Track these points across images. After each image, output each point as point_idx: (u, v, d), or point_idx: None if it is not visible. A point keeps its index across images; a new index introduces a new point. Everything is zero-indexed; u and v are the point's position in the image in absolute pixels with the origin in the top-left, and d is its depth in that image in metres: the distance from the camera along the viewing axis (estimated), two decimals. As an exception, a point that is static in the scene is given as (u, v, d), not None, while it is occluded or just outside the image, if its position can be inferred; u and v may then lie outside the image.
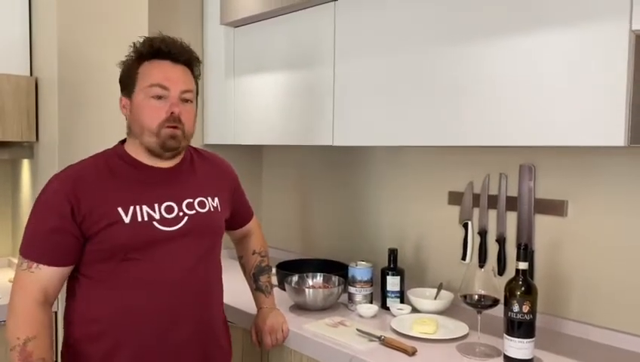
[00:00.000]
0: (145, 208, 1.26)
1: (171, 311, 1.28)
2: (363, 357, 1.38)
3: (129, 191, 1.27)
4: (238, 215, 1.55)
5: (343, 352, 1.42)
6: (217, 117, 2.28)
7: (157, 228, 1.26)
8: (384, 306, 1.76)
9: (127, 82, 1.30)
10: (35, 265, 1.22)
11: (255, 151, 2.61)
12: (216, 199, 1.39)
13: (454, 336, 1.48)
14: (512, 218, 1.71)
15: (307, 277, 1.87)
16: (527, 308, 1.30)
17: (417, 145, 1.62)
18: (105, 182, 1.27)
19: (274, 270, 1.99)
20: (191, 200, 1.33)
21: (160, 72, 1.27)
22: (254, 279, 1.61)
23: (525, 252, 1.33)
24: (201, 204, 1.35)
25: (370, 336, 1.48)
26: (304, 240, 2.44)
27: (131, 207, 1.25)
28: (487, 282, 1.40)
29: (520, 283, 1.33)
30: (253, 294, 1.62)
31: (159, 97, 1.26)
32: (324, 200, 2.35)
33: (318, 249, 2.36)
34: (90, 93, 2.08)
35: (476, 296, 1.40)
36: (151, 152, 1.30)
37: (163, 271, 1.27)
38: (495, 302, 1.37)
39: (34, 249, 1.23)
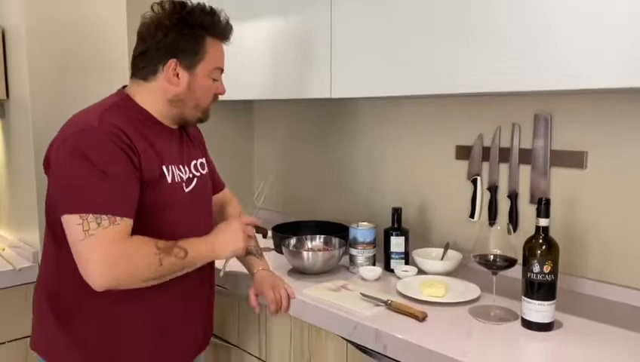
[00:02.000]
0: (175, 168, 1.25)
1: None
2: (369, 324, 1.27)
3: (162, 149, 1.22)
4: (212, 179, 1.47)
5: (348, 319, 1.31)
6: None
7: (183, 189, 1.26)
8: (388, 268, 1.65)
9: (190, 53, 1.22)
10: (119, 218, 1.09)
11: (245, 108, 2.45)
12: (204, 160, 1.40)
13: (466, 299, 1.38)
14: (525, 172, 1.58)
15: (306, 239, 1.75)
16: (549, 268, 1.20)
17: (422, 94, 1.47)
18: (143, 136, 1.19)
19: (270, 233, 1.87)
20: (195, 161, 1.34)
21: (222, 55, 1.31)
22: None
23: (547, 207, 1.22)
24: (202, 166, 1.37)
25: (375, 301, 1.38)
26: (302, 201, 2.32)
27: (170, 166, 1.23)
28: (503, 241, 1.29)
29: (540, 241, 1.22)
30: (243, 261, 1.50)
31: (215, 80, 1.29)
32: (321, 160, 2.21)
33: (316, 211, 2.24)
34: (62, 47, 1.90)
35: (491, 256, 1.28)
36: (182, 120, 1.29)
37: (183, 232, 1.21)
38: (513, 262, 1.26)
39: (110, 202, 1.08)
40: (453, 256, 1.65)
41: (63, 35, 1.90)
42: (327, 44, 1.65)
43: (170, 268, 1.14)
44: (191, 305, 1.31)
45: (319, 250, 1.69)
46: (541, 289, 1.21)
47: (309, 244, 1.75)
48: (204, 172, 1.36)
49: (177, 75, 1.21)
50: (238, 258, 1.46)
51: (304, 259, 1.59)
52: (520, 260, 1.25)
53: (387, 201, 1.92)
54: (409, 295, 1.41)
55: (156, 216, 1.18)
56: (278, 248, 1.80)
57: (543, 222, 1.22)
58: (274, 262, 1.73)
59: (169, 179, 1.21)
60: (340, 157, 2.13)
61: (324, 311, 1.37)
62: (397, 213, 1.66)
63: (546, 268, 1.20)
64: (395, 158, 1.93)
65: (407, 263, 1.65)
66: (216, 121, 2.36)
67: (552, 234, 1.23)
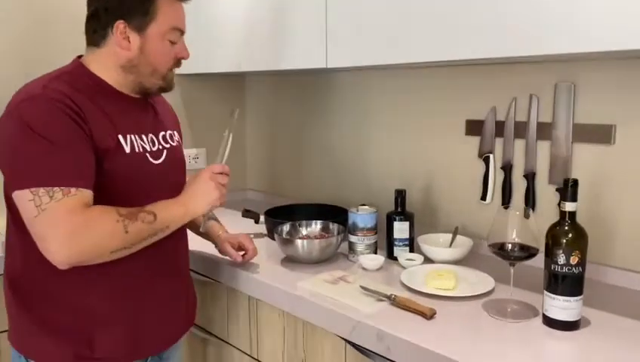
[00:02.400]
0: (137, 138, 1.14)
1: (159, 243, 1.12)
2: (371, 323, 1.12)
3: (119, 118, 1.12)
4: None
5: (347, 316, 1.17)
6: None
7: (150, 160, 1.16)
8: (391, 256, 1.50)
9: (139, 13, 1.10)
10: (74, 189, 0.99)
11: (236, 81, 2.28)
12: (176, 133, 1.30)
13: (479, 292, 1.23)
14: (544, 149, 1.42)
15: (300, 226, 1.60)
16: (576, 259, 1.04)
17: (426, 61, 1.30)
18: (95, 104, 1.08)
19: (262, 218, 1.72)
20: (164, 132, 1.24)
21: (181, 14, 1.17)
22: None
23: (574, 190, 1.06)
24: (171, 137, 1.26)
25: (377, 295, 1.23)
26: (297, 182, 2.16)
27: (129, 136, 1.12)
28: (521, 227, 1.13)
29: (566, 228, 1.06)
30: (204, 227, 1.38)
31: (173, 42, 1.15)
32: (318, 136, 2.05)
33: (312, 192, 2.08)
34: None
35: (509, 246, 1.13)
36: (141, 89, 1.17)
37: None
38: (534, 253, 1.11)
39: (61, 172, 0.99)
40: (463, 243, 1.50)
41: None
42: (323, 11, 1.47)
43: (139, 234, 1.04)
44: (167, 285, 1.22)
45: (315, 238, 1.54)
46: (566, 283, 1.05)
47: (303, 231, 1.59)
48: (174, 143, 1.25)
49: (127, 38, 1.10)
50: (199, 233, 1.44)
51: (298, 247, 1.44)
52: (542, 249, 1.10)
53: (390, 183, 1.76)
54: (414, 288, 1.26)
55: (121, 190, 1.09)
56: (270, 233, 1.65)
57: (569, 206, 1.06)
58: (266, 249, 1.58)
59: (127, 149, 1.10)
60: (338, 134, 1.96)
61: (320, 308, 1.22)
62: (400, 195, 1.50)
63: (573, 260, 1.04)
64: (398, 135, 1.77)
65: (411, 250, 1.50)
66: (203, 96, 2.23)
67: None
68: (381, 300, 1.22)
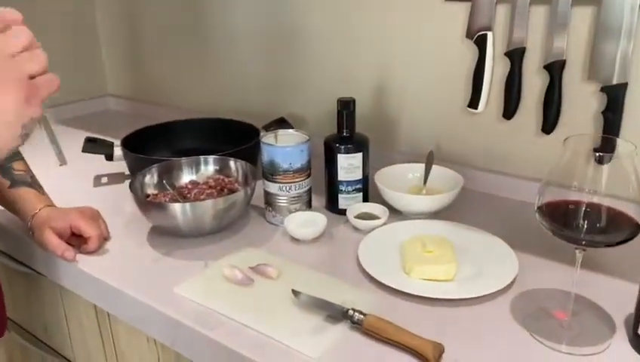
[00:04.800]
0: None
1: None
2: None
3: None
4: None
5: (271, 372, 0.59)
6: None
7: None
8: (334, 209, 0.93)
9: None
10: None
11: None
12: None
13: (499, 283, 0.70)
14: (582, 20, 0.84)
15: (178, 169, 0.95)
16: None
17: None
18: None
19: (118, 150, 1.06)
20: None
21: None
22: (2, 171, 0.84)
23: None
24: None
25: (325, 309, 0.66)
26: (181, 84, 1.47)
27: None
28: (613, 175, 0.57)
29: None
30: (11, 196, 0.84)
31: None
32: (213, 13, 1.34)
33: (206, 100, 1.41)
34: None
35: (580, 221, 0.57)
36: None
37: None
38: (635, 232, 0.57)
39: None
40: (446, 178, 0.95)
41: None
42: None
43: None
44: None
45: (207, 190, 0.91)
46: (702, 289, 0.54)
47: (183, 179, 0.95)
48: None
49: None
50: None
51: (175, 215, 0.81)
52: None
53: (325, 86, 1.14)
54: (387, 283, 0.70)
55: None
56: (132, 177, 0.99)
57: None
58: (124, 209, 0.94)
59: None
60: (243, 13, 1.27)
61: (219, 347, 0.64)
62: (347, 109, 0.89)
63: None
64: (337, 9, 1.11)
65: (366, 198, 0.93)
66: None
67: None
68: (333, 321, 0.65)
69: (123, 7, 1.52)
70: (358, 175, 0.90)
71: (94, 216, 0.84)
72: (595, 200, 0.56)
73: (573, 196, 0.57)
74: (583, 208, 0.56)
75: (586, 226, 0.56)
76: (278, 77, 1.25)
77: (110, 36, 1.59)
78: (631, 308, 0.61)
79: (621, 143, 0.58)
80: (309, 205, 0.91)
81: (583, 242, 0.57)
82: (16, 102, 0.44)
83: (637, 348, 0.60)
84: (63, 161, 1.03)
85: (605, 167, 0.56)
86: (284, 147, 0.85)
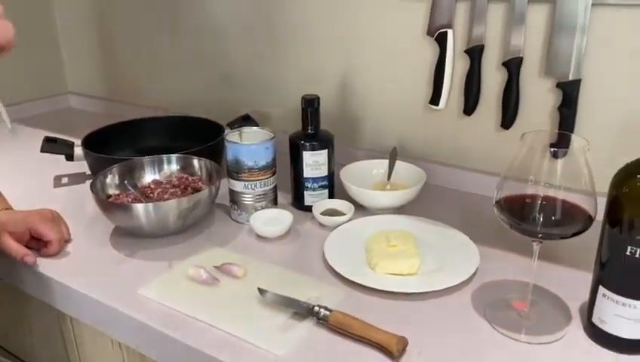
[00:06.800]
0: None
1: None
2: (287, 387, 0.57)
3: None
4: None
5: (238, 372, 0.59)
6: None
7: None
8: (300, 206, 0.93)
9: None
10: None
11: None
12: None
13: (461, 276, 0.71)
14: (538, 18, 0.87)
15: (140, 168, 0.94)
16: (679, 235, 0.54)
17: None
18: None
19: (79, 150, 1.04)
20: None
21: None
22: None
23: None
24: None
25: (291, 307, 0.66)
26: (146, 81, 1.45)
27: None
28: (567, 169, 0.59)
29: (662, 176, 0.54)
30: None
31: None
32: (176, 7, 1.32)
33: (170, 97, 1.40)
34: None
35: (536, 214, 0.59)
36: None
37: None
38: (587, 224, 0.59)
39: None
40: (410, 174, 0.96)
41: None
42: None
43: None
44: None
45: (171, 189, 0.90)
46: (650, 278, 0.56)
47: (145, 178, 0.94)
48: None
49: None
50: None
51: (138, 215, 0.80)
52: (600, 216, 0.58)
53: (291, 84, 1.14)
54: (353, 279, 0.71)
55: None
56: (94, 177, 0.97)
57: (672, 134, 0.53)
58: (86, 209, 0.92)
59: None
60: (202, 11, 1.25)
61: (185, 348, 0.63)
62: (312, 106, 0.89)
63: (673, 238, 0.54)
64: (301, 9, 1.11)
65: (332, 195, 0.94)
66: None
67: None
68: (299, 318, 0.65)
69: (82, 2, 1.49)
70: (323, 172, 0.91)
71: (55, 219, 0.82)
72: (551, 193, 0.58)
73: (529, 190, 0.59)
74: (539, 202, 0.58)
75: (542, 219, 0.58)
76: (244, 75, 1.24)
77: (71, 32, 1.55)
78: (586, 297, 0.63)
79: (575, 139, 0.61)
80: (274, 202, 0.91)
81: (540, 235, 0.59)
82: None
83: (591, 335, 0.62)
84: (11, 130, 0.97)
85: (560, 162, 0.58)
86: (249, 145, 0.85)
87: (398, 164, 0.99)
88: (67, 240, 0.83)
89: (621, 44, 0.81)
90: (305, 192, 0.92)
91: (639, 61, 0.81)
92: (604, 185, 0.58)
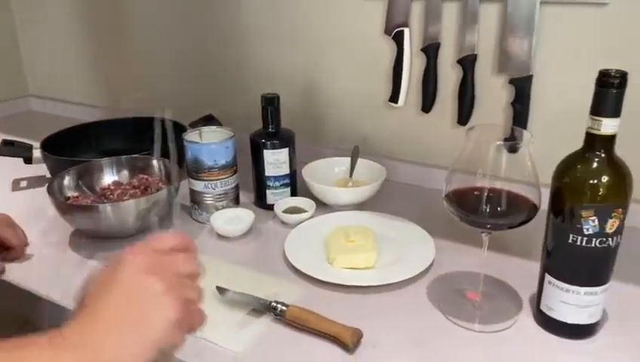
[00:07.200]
0: None
1: None
2: (244, 380, 0.58)
3: None
4: None
5: (195, 369, 0.60)
6: None
7: None
8: (262, 204, 0.94)
9: None
10: None
11: None
12: None
13: (416, 268, 0.73)
14: (490, 16, 0.89)
15: (98, 170, 0.93)
16: (616, 224, 0.56)
17: None
18: None
19: (37, 152, 1.03)
20: None
21: None
22: None
23: (620, 96, 0.55)
24: None
25: (249, 304, 0.67)
26: (106, 81, 1.43)
27: None
28: (512, 161, 0.61)
29: (599, 166, 0.56)
30: None
31: None
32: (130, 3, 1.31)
33: (128, 99, 1.39)
34: None
35: (484, 206, 0.61)
36: None
37: None
38: (532, 214, 0.61)
39: None
40: (371, 172, 0.98)
41: None
42: None
43: None
44: None
45: (131, 190, 0.89)
46: (593, 265, 0.59)
47: (105, 180, 0.93)
48: None
49: None
50: None
51: (96, 216, 0.79)
52: (544, 206, 0.61)
53: (254, 84, 1.14)
54: (311, 274, 0.72)
55: None
56: (52, 179, 0.96)
57: (607, 126, 0.55)
58: (45, 213, 0.91)
59: None
60: (164, 10, 1.25)
61: (141, 346, 0.63)
62: (272, 105, 0.90)
63: (611, 225, 0.56)
64: (263, 8, 1.11)
65: (294, 193, 0.95)
66: None
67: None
68: (256, 314, 0.66)
69: (41, 3, 1.46)
70: (285, 170, 0.92)
71: (10, 223, 0.81)
72: (497, 186, 0.60)
73: (477, 183, 0.60)
74: (486, 194, 0.60)
75: (489, 211, 0.60)
76: (207, 75, 1.24)
77: (32, 34, 1.53)
78: (534, 286, 0.65)
79: (520, 132, 0.63)
80: (236, 202, 0.91)
81: (488, 226, 0.61)
82: (168, 322, 0.41)
83: (540, 322, 0.64)
84: None
85: (505, 155, 0.60)
86: (209, 144, 0.85)
87: (360, 161, 1.00)
88: (26, 244, 0.82)
89: (568, 41, 0.84)
90: (267, 191, 0.92)
91: (584, 57, 0.84)
92: (549, 177, 0.60)
